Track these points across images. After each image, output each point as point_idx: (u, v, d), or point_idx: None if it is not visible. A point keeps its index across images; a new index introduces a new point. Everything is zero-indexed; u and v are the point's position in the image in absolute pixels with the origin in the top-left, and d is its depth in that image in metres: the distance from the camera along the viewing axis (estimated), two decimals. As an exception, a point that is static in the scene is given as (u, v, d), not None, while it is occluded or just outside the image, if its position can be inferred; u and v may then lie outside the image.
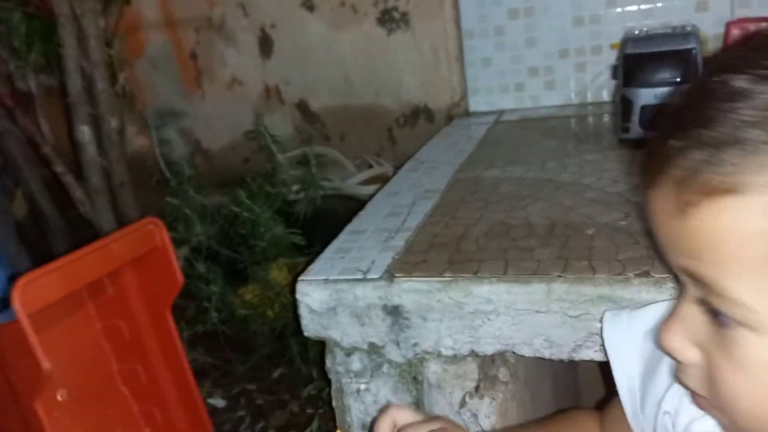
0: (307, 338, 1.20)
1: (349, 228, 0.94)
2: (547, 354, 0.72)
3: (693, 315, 0.44)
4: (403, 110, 1.59)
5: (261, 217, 1.04)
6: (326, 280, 0.79)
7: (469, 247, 0.80)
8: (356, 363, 0.82)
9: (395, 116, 1.60)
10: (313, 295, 0.80)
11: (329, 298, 0.79)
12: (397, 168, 1.53)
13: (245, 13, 1.63)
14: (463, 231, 0.85)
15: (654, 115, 1.01)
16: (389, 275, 0.77)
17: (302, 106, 1.67)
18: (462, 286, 0.72)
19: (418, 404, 0.81)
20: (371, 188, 1.52)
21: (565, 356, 0.71)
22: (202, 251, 1.13)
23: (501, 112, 1.46)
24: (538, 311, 0.70)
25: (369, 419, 0.83)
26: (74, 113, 1.19)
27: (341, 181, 1.52)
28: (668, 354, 0.48)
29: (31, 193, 1.47)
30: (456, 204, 0.95)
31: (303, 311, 0.81)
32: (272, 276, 1.15)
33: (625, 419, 0.61)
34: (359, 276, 0.78)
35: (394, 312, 0.76)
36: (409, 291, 0.75)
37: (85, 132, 1.18)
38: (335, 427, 0.87)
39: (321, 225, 1.34)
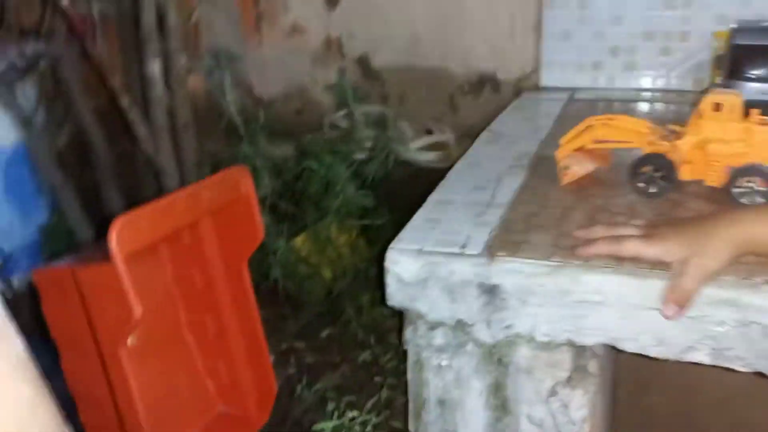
0: (362, 303, 1.18)
1: (434, 197, 0.90)
2: (652, 352, 0.69)
3: None
4: (469, 77, 1.53)
5: (339, 176, 1.00)
6: (420, 251, 0.76)
7: (573, 232, 0.76)
8: (439, 338, 0.80)
9: (460, 82, 1.54)
10: (403, 265, 0.76)
11: (421, 270, 0.76)
12: (458, 137, 1.49)
13: (315, -42, 1.56)
14: (561, 213, 0.81)
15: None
16: (489, 253, 0.73)
17: (363, 62, 1.61)
18: (570, 273, 0.69)
19: (498, 387, 0.79)
20: (430, 155, 1.48)
21: (672, 356, 0.69)
22: (266, 205, 1.09)
23: (574, 90, 1.41)
24: (651, 308, 0.67)
25: (447, 396, 0.81)
26: (146, 46, 1.14)
27: (398, 144, 1.47)
28: None
29: (82, 123, 1.43)
30: (546, 184, 0.91)
31: (390, 280, 0.78)
32: (334, 236, 1.11)
33: None
34: (456, 250, 0.75)
35: (490, 291, 0.73)
36: (511, 272, 0.71)
37: (155, 67, 1.13)
38: (406, 399, 0.85)
39: (383, 188, 1.30)
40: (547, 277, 0.70)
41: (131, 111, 1.15)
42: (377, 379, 1.07)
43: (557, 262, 0.70)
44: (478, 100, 1.54)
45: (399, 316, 1.24)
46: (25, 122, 1.48)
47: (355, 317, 1.13)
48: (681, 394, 1.49)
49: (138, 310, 0.64)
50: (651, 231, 0.67)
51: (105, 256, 0.74)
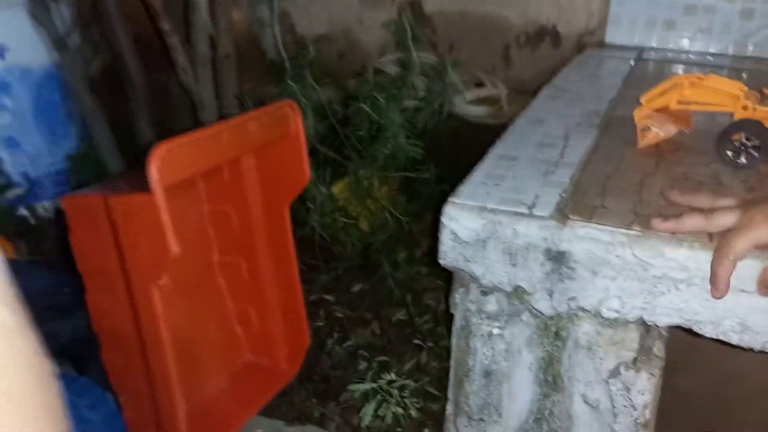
0: (398, 261, 1.12)
1: (496, 152, 0.83)
2: (734, 339, 0.62)
3: None
4: (527, 28, 1.43)
5: (392, 122, 0.92)
6: (482, 208, 0.69)
7: (654, 200, 0.68)
8: (492, 304, 0.73)
9: (516, 33, 1.44)
10: (462, 222, 0.70)
11: (482, 229, 0.69)
12: (510, 92, 1.40)
13: None
14: (641, 179, 0.73)
15: None
16: (561, 216, 0.66)
17: (414, 5, 1.52)
18: (653, 245, 0.62)
19: (551, 362, 0.73)
20: (480, 109, 1.39)
21: (757, 345, 0.62)
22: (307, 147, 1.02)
23: (640, 49, 1.30)
24: (742, 290, 0.60)
25: (494, 367, 0.75)
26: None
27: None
28: None
29: (118, 48, 1.36)
30: (621, 145, 0.83)
31: (445, 237, 0.71)
32: (375, 186, 1.04)
33: None
34: (523, 210, 0.68)
35: (557, 258, 0.66)
36: (584, 239, 0.64)
37: (200, -10, 1.05)
38: (446, 363, 0.79)
39: (427, 141, 1.22)
40: (626, 247, 0.63)
41: (171, 36, 1.08)
42: (415, 341, 1.01)
43: (638, 231, 0.63)
44: (535, 54, 1.44)
45: (437, 276, 1.18)
46: (58, 44, 1.41)
47: (391, 274, 1.07)
48: (716, 379, 1.42)
49: (175, 247, 0.59)
50: (754, 213, 0.59)
51: (136, 187, 0.68)
